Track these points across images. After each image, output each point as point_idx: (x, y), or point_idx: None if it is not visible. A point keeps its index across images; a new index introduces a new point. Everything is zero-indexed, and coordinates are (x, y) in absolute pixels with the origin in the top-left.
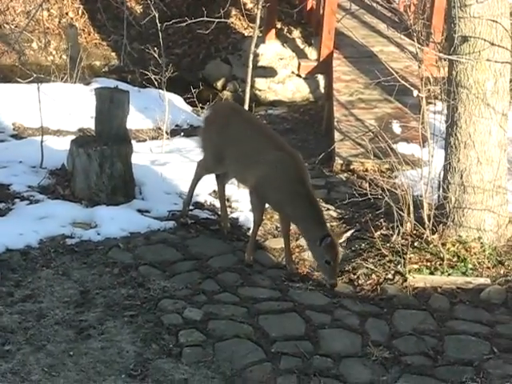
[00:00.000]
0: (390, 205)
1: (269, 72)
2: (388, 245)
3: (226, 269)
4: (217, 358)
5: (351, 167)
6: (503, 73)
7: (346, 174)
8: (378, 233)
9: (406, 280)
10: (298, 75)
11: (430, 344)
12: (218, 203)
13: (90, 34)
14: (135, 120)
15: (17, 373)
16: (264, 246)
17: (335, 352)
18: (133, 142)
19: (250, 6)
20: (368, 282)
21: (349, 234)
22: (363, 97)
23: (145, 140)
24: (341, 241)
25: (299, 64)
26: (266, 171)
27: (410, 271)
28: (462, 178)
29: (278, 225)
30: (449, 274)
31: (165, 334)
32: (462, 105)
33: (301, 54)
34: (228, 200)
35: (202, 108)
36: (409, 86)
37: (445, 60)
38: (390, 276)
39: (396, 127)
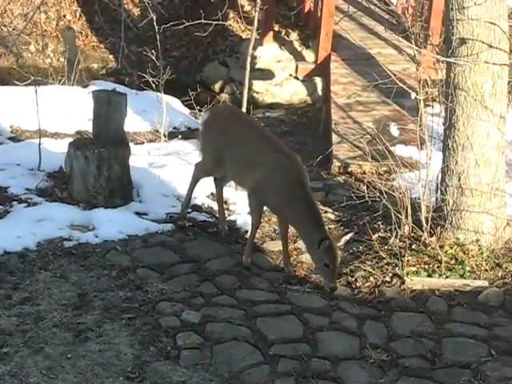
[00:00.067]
0: (387, 207)
1: (266, 74)
2: (386, 247)
3: (223, 271)
4: (215, 360)
5: (349, 170)
6: (501, 75)
7: (343, 177)
8: (376, 235)
9: (403, 282)
10: (296, 77)
11: (427, 346)
12: (215, 206)
13: (87, 37)
14: (133, 122)
15: (15, 375)
16: (262, 249)
17: (333, 354)
18: (130, 144)
19: (247, 8)
20: (366, 285)
21: (348, 237)
22: (361, 99)
23: (142, 142)
24: (340, 244)
25: (297, 66)
26: (264, 174)
27: (407, 274)
28: (459, 180)
29: (276, 227)
30: (447, 277)
31: (163, 336)
32: (459, 107)
33: (298, 57)
34: (226, 202)
35: (199, 110)
36: (407, 89)
37: (443, 62)
38: (387, 278)
39: (394, 130)
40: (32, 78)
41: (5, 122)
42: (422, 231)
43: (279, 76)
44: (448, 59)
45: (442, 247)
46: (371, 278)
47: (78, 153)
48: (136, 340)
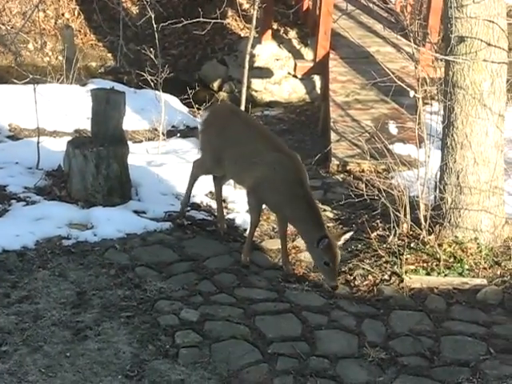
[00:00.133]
0: (386, 206)
1: (265, 73)
2: (384, 246)
3: (222, 270)
4: (213, 358)
5: (347, 168)
6: (500, 73)
7: (342, 175)
8: (375, 234)
9: (402, 281)
10: (295, 76)
11: (426, 345)
12: (214, 204)
13: (86, 35)
14: (131, 121)
15: (13, 373)
16: (260, 247)
17: (332, 353)
18: (129, 143)
19: (246, 6)
20: (364, 283)
21: (348, 236)
22: (359, 97)
23: (141, 141)
24: (340, 243)
25: (295, 65)
26: (264, 172)
27: (406, 272)
28: (458, 178)
29: (275, 226)
30: (445, 275)
31: (161, 334)
32: (458, 105)
33: (297, 55)
34: (224, 201)
35: (198, 109)
36: (405, 87)
37: (441, 60)
38: (386, 277)
39: (392, 128)
40: (30, 76)
41: (3, 121)
42: (421, 229)
43: (278, 74)
44: (447, 57)
45: (440, 245)
46: (370, 277)
47: (76, 151)
48: (135, 338)
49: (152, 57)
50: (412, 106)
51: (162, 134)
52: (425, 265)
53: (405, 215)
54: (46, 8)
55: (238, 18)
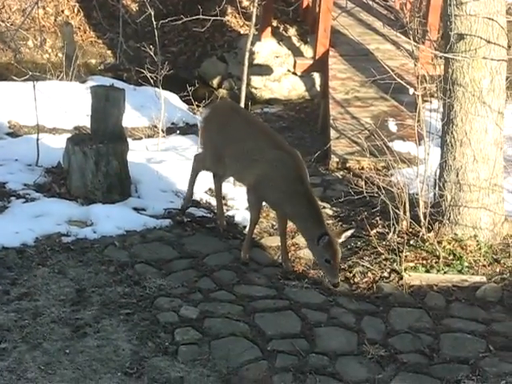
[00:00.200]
0: (385, 203)
1: (265, 70)
2: (384, 243)
3: (221, 267)
4: (213, 356)
5: (347, 165)
6: (499, 71)
7: (341, 172)
8: (374, 231)
9: (401, 278)
10: (294, 73)
11: (425, 342)
12: (214, 201)
13: (85, 32)
14: (131, 118)
15: (13, 371)
16: (260, 244)
17: (331, 350)
18: (129, 140)
19: (245, 3)
20: (364, 280)
21: (349, 233)
22: (359, 95)
23: (141, 138)
24: (340, 240)
25: (295, 62)
26: (265, 170)
27: (405, 269)
28: (457, 176)
29: (274, 223)
30: (445, 272)
31: (161, 332)
32: (458, 103)
33: (297, 52)
34: (224, 198)
35: (197, 106)
36: (405, 84)
37: (441, 58)
38: (385, 274)
39: (392, 125)
40: (30, 73)
41: (3, 118)
42: (420, 227)
43: (277, 71)
44: (446, 55)
45: (440, 243)
46: (369, 274)
47: (76, 148)
48: (134, 335)
49: (152, 54)
50: (411, 104)
51: (162, 131)
52: (424, 262)
53: (404, 212)
54: (46, 5)
55: (237, 16)
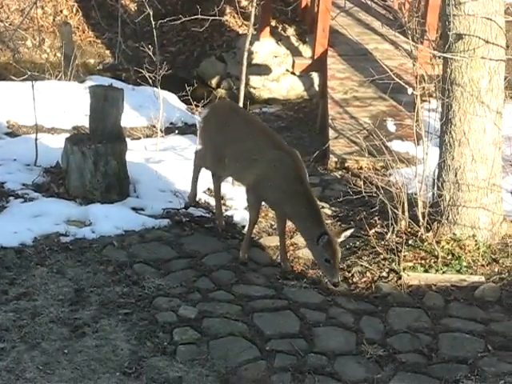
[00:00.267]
0: (384, 203)
1: (263, 70)
2: (382, 243)
3: (220, 267)
4: (211, 355)
5: (346, 165)
6: (498, 70)
7: (340, 172)
8: (373, 231)
9: (400, 278)
10: (293, 73)
11: (424, 342)
12: (212, 201)
13: (84, 32)
14: (130, 118)
15: (11, 371)
16: (259, 244)
17: (330, 350)
18: (127, 139)
19: (244, 3)
20: (362, 280)
21: (348, 232)
22: (358, 95)
23: (139, 138)
24: (340, 239)
25: (294, 62)
26: (264, 170)
27: (404, 269)
28: (456, 175)
29: (273, 223)
30: (443, 272)
31: (159, 331)
32: (456, 103)
33: (295, 52)
34: (223, 198)
35: (196, 106)
36: (403, 84)
37: (439, 58)
38: (384, 274)
39: (390, 125)
40: (29, 73)
41: (1, 117)
42: (419, 226)
43: (276, 71)
44: (445, 55)
45: (438, 242)
46: (368, 274)
47: (74, 148)
48: (133, 335)
49: (150, 54)
50: (410, 104)
51: (160, 130)
52: (423, 262)
53: (403, 212)
54: (45, 5)
55: (236, 15)
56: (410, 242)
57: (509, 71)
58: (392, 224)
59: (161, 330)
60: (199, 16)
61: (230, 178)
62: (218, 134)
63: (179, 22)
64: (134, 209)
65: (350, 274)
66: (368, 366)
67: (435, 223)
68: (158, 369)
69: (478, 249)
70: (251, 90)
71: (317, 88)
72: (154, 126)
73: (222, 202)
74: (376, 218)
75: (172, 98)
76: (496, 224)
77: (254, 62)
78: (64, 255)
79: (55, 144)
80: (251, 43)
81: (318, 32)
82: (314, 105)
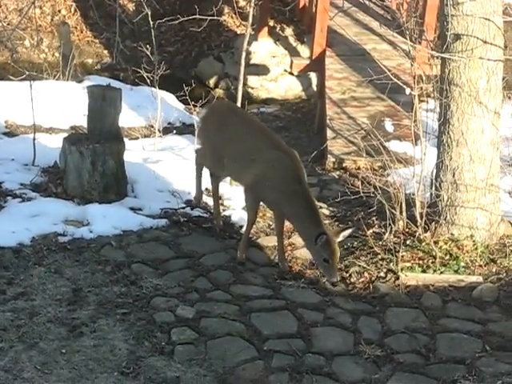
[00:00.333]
0: (382, 203)
1: (261, 70)
2: (380, 243)
3: (218, 267)
4: (209, 355)
5: (343, 165)
6: (496, 71)
7: (338, 172)
8: (371, 231)
9: (398, 278)
10: (291, 73)
11: (422, 342)
12: (210, 201)
13: (82, 32)
14: (127, 118)
15: (9, 370)
16: (256, 244)
17: (327, 350)
18: (125, 139)
19: (242, 3)
20: (360, 280)
21: (347, 232)
22: (356, 95)
23: (137, 138)
24: (338, 239)
25: (292, 62)
26: (263, 170)
27: (402, 269)
28: (454, 176)
29: (271, 223)
30: (441, 272)
31: (157, 331)
32: (454, 103)
33: (293, 52)
34: (221, 198)
35: (194, 106)
36: (401, 84)
37: (437, 58)
38: (382, 274)
39: (388, 125)
40: (27, 73)
41: None
42: (417, 227)
43: (274, 71)
44: (443, 55)
45: (436, 243)
46: (366, 274)
47: (72, 148)
48: (130, 335)
49: (148, 54)
50: (408, 104)
51: (158, 130)
52: (421, 262)
53: (401, 212)
54: (43, 5)
55: (234, 15)
56: (407, 242)
57: (507, 71)
58: (390, 224)
59: (159, 329)
60: (197, 16)
61: (227, 178)
62: (217, 134)
63: (177, 21)
64: (131, 209)
65: (347, 275)
66: (366, 367)
67: (433, 223)
68: (155, 369)
69: (476, 249)
70: (249, 90)
71: (315, 88)
72: (152, 126)
73: (220, 201)
74: (374, 219)
75: (170, 97)
76: (494, 224)
77: (252, 62)
78: (62, 255)
79: (53, 144)
80: (249, 43)
81: (316, 32)
82: (311, 105)
